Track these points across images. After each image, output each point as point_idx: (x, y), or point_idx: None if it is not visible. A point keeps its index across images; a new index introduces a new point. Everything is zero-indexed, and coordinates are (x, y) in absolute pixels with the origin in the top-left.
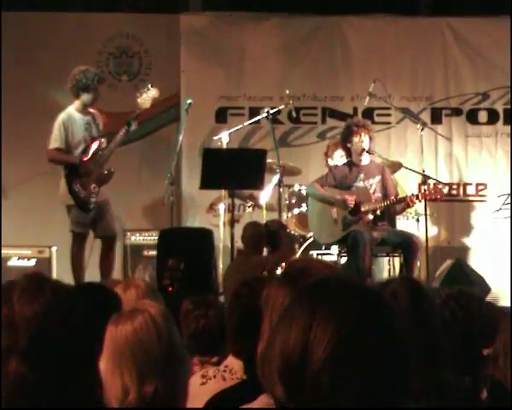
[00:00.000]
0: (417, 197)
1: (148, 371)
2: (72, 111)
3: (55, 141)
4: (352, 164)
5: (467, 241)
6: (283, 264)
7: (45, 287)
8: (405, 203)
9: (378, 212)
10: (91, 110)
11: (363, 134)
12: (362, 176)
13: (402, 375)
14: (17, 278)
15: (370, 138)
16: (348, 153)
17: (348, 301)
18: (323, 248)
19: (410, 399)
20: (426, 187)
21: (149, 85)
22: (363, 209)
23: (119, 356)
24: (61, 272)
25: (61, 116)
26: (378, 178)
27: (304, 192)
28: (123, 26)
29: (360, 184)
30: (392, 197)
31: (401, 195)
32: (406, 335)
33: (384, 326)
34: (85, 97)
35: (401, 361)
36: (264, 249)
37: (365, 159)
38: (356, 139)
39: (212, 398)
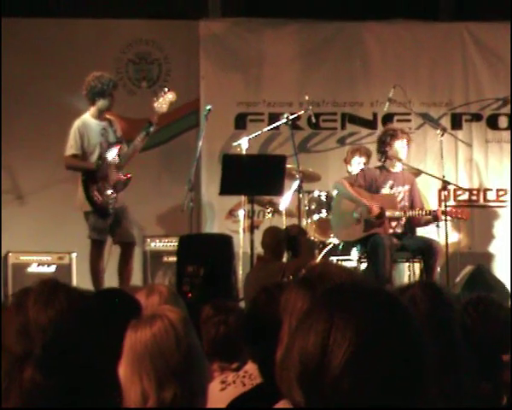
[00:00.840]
0: (443, 213)
1: (166, 377)
2: (87, 118)
3: (70, 148)
4: (383, 169)
5: (487, 247)
6: (303, 270)
7: (60, 293)
8: (432, 217)
9: (403, 220)
10: (108, 116)
11: (405, 140)
12: (391, 183)
13: (420, 379)
14: (31, 285)
15: (408, 147)
16: (382, 157)
17: (367, 305)
18: (341, 249)
19: (428, 403)
20: (453, 204)
21: (166, 89)
22: (387, 215)
23: (138, 362)
24: (81, 278)
25: (77, 123)
26: (407, 187)
27: (324, 198)
28: (142, 33)
29: (388, 190)
30: (419, 209)
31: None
32: (424, 339)
33: (402, 330)
34: (101, 103)
35: (419, 365)
36: (285, 255)
37: (398, 166)
38: (399, 143)
39: (230, 403)
